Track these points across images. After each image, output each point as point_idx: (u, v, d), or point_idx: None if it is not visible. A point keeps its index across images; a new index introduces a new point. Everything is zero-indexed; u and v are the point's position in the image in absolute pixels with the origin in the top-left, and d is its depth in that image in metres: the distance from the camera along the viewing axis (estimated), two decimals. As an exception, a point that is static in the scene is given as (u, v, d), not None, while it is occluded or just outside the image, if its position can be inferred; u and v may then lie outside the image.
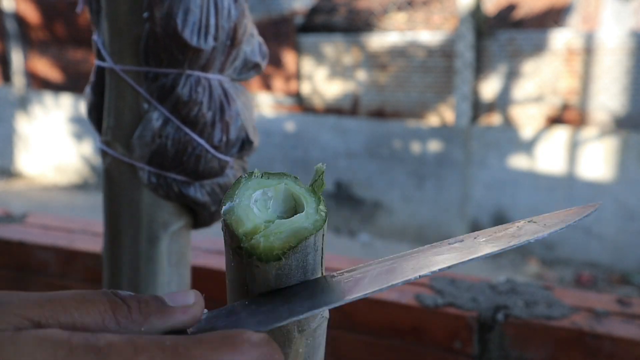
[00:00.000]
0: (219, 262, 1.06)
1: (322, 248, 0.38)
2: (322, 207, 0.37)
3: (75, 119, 8.12)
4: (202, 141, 0.69)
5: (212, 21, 0.65)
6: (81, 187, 8.16)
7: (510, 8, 7.25)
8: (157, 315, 0.33)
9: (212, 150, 0.70)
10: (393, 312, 0.92)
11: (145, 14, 0.64)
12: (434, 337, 0.90)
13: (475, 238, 0.40)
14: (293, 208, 0.38)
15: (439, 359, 0.90)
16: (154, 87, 0.66)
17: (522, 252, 6.02)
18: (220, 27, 0.66)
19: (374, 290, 0.35)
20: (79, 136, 8.17)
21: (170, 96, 0.66)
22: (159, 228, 0.71)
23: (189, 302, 0.34)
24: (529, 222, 0.40)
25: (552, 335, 0.84)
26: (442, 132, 6.35)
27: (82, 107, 8.04)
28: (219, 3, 0.66)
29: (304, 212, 0.37)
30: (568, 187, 5.82)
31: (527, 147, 5.96)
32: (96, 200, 7.38)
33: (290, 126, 7.12)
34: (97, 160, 8.08)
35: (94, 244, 1.15)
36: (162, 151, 0.68)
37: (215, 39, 0.66)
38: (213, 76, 0.69)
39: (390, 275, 0.37)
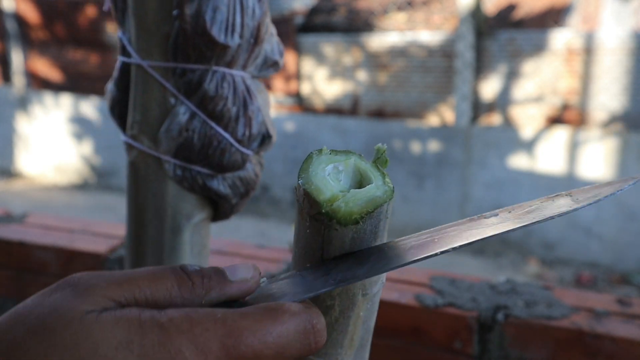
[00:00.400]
0: (219, 262, 1.06)
1: (390, 216, 0.42)
2: (387, 180, 0.41)
3: (75, 119, 8.12)
4: (227, 135, 0.71)
5: (238, 19, 0.68)
6: (81, 187, 8.17)
7: (510, 8, 7.25)
8: (217, 288, 0.37)
9: (235, 144, 0.72)
10: (393, 312, 0.92)
11: (175, 12, 0.66)
12: (434, 337, 0.90)
13: (510, 212, 0.42)
14: (359, 182, 0.42)
15: (439, 359, 0.90)
16: (181, 83, 0.69)
17: (522, 252, 6.02)
18: (246, 25, 0.68)
19: (437, 252, 0.39)
20: (79, 136, 8.17)
21: (197, 91, 0.69)
22: (182, 219, 0.74)
23: (247, 276, 0.38)
24: (566, 194, 0.43)
25: (552, 335, 0.84)
26: (442, 132, 6.35)
27: (82, 107, 8.04)
28: (244, 2, 0.68)
29: (373, 184, 0.40)
30: (568, 187, 5.82)
31: (527, 147, 5.96)
32: (96, 200, 7.38)
33: (290, 126, 7.12)
34: (97, 160, 8.08)
35: (94, 244, 1.15)
36: (188, 144, 0.70)
37: (241, 36, 0.68)
38: (237, 72, 0.71)
39: (443, 242, 0.40)
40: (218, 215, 0.79)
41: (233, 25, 0.67)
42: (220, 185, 0.74)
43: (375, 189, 0.40)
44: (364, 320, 0.44)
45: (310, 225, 0.40)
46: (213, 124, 0.70)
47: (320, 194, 0.39)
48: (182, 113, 0.69)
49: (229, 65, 0.69)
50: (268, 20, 0.72)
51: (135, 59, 0.70)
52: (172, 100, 0.69)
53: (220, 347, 0.33)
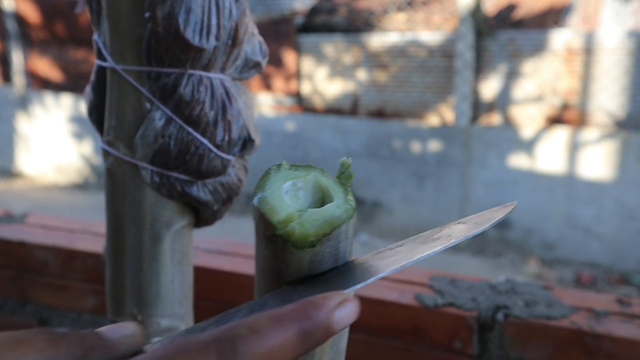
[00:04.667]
0: (219, 262, 1.06)
1: (352, 236, 0.39)
2: (350, 197, 0.39)
3: (76, 119, 8.12)
4: (204, 140, 0.69)
5: (214, 21, 0.65)
6: (81, 187, 8.17)
7: (510, 8, 7.25)
8: (97, 349, 0.32)
9: (214, 150, 0.70)
10: (393, 312, 0.92)
11: (147, 14, 0.64)
12: (434, 337, 0.90)
13: (413, 242, 0.41)
14: (321, 199, 0.39)
15: (439, 359, 0.90)
16: (156, 87, 0.67)
17: (522, 252, 6.02)
18: (222, 27, 0.66)
19: (393, 269, 0.37)
20: (79, 136, 8.17)
21: (173, 96, 0.67)
22: (162, 227, 0.72)
23: (126, 333, 0.33)
24: (458, 223, 0.42)
25: (552, 335, 0.84)
26: (442, 132, 6.35)
27: (83, 107, 8.04)
28: (220, 2, 0.66)
29: (334, 202, 0.38)
30: (568, 187, 5.82)
31: (527, 147, 5.96)
32: (96, 200, 7.38)
33: (290, 126, 7.12)
34: (98, 160, 8.08)
35: (94, 244, 1.15)
36: (165, 150, 0.68)
37: (217, 38, 0.66)
38: (215, 75, 0.69)
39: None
40: (200, 222, 0.77)
41: (208, 26, 0.65)
42: (201, 191, 0.72)
43: (334, 207, 0.37)
44: (332, 343, 0.41)
45: (266, 247, 0.38)
46: (190, 129, 0.68)
47: (274, 215, 0.37)
48: (158, 118, 0.67)
49: (206, 68, 0.67)
50: (247, 21, 0.70)
51: (109, 62, 0.68)
52: (148, 105, 0.67)
53: None
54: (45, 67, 8.34)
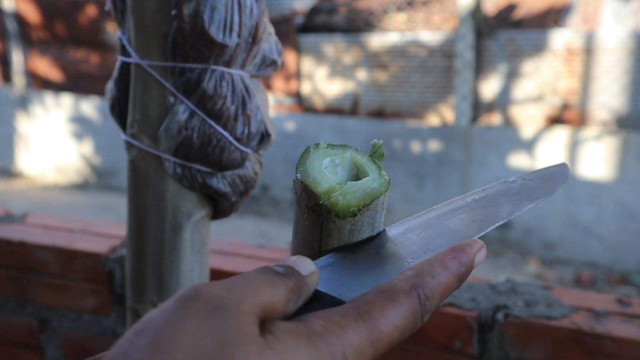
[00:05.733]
0: (219, 262, 1.06)
1: (385, 207, 0.43)
2: (383, 172, 0.42)
3: (76, 119, 8.12)
4: (226, 133, 0.72)
5: (236, 19, 0.68)
6: (81, 187, 8.16)
7: (510, 8, 7.25)
8: (304, 288, 0.35)
9: (235, 143, 0.73)
10: (393, 312, 0.92)
11: (173, 12, 0.66)
12: (434, 337, 0.90)
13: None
14: (356, 175, 0.43)
15: (439, 358, 0.90)
16: (180, 82, 0.69)
17: (522, 251, 6.02)
18: (244, 25, 0.69)
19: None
20: (79, 136, 8.17)
21: (196, 90, 0.69)
22: (183, 217, 0.74)
23: (312, 269, 0.36)
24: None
25: (552, 335, 0.84)
26: (442, 132, 6.35)
27: (83, 107, 8.04)
28: (242, 1, 0.68)
29: (369, 176, 0.41)
30: (568, 187, 5.82)
31: (527, 147, 5.96)
32: (96, 200, 7.38)
33: (290, 126, 7.12)
34: (98, 160, 8.08)
35: (94, 244, 1.15)
36: (188, 143, 0.71)
37: (239, 35, 0.69)
38: (235, 71, 0.71)
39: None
40: (218, 214, 0.80)
41: (231, 24, 0.67)
42: (220, 183, 0.75)
43: (371, 181, 0.41)
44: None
45: (308, 217, 0.41)
46: (212, 123, 0.70)
47: (317, 186, 0.39)
48: (182, 112, 0.70)
49: (228, 64, 0.70)
50: (266, 20, 0.73)
51: (134, 58, 0.70)
52: (172, 99, 0.70)
53: (370, 344, 0.33)
54: (45, 67, 8.33)
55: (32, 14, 8.21)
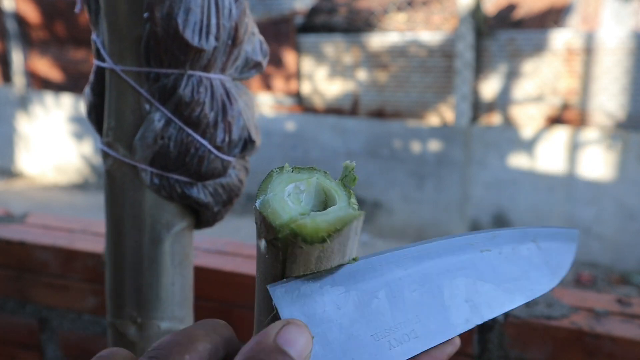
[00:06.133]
0: (219, 262, 1.06)
1: (359, 233, 0.39)
2: (353, 200, 0.38)
3: (76, 119, 8.12)
4: (204, 142, 0.68)
5: (213, 21, 0.64)
6: (81, 187, 8.16)
7: (510, 8, 7.25)
8: (229, 342, 0.37)
9: (214, 151, 0.69)
10: (393, 312, 0.92)
11: (146, 14, 0.63)
12: (433, 337, 0.90)
13: None
14: (324, 202, 0.39)
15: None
16: (156, 88, 0.66)
17: (522, 252, 6.01)
18: (222, 27, 0.65)
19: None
20: (79, 136, 8.17)
21: (172, 97, 0.66)
22: (162, 229, 0.71)
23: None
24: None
25: (552, 335, 0.84)
26: (442, 132, 6.35)
27: (83, 107, 8.04)
28: (219, 2, 0.65)
29: (336, 205, 0.37)
30: (568, 187, 5.82)
31: (527, 147, 5.96)
32: (96, 200, 7.38)
33: (290, 126, 7.12)
34: (98, 160, 8.08)
35: (94, 244, 1.15)
36: (165, 152, 0.67)
37: (217, 38, 0.65)
38: (215, 76, 0.68)
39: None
40: (200, 224, 0.76)
41: (208, 26, 0.64)
42: (201, 193, 0.71)
43: (338, 210, 0.37)
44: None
45: (268, 251, 0.37)
46: (190, 131, 0.67)
47: (276, 218, 0.35)
48: (157, 120, 0.66)
49: (206, 68, 0.66)
50: (248, 20, 0.69)
51: (108, 63, 0.67)
52: (147, 107, 0.66)
53: None
54: (45, 67, 8.33)
55: (32, 14, 8.21)
